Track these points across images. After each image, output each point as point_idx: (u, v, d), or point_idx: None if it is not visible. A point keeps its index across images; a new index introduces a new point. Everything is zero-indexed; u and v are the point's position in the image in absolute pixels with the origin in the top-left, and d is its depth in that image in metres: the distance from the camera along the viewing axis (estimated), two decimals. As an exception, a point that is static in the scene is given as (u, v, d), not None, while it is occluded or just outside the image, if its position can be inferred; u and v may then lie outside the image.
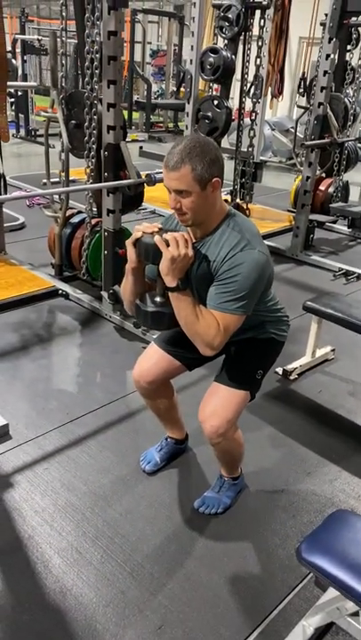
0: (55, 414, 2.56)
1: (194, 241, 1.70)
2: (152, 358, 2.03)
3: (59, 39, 3.30)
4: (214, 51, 4.20)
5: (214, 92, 4.58)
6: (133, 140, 10.04)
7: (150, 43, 13.09)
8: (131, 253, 1.69)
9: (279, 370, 3.01)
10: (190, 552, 1.92)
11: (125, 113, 11.53)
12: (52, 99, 3.40)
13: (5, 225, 4.56)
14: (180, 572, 1.84)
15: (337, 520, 1.60)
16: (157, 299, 1.73)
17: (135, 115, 11.43)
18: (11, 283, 3.83)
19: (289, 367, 3.01)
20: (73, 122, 3.52)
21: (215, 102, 4.26)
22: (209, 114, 4.28)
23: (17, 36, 9.22)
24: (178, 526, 2.02)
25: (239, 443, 1.98)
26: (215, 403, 1.85)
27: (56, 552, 1.87)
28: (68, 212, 3.74)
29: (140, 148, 8.85)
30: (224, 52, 4.17)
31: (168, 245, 1.57)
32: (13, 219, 5.10)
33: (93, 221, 3.63)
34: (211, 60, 4.22)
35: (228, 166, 2.86)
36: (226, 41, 4.39)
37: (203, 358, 1.87)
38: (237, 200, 5.06)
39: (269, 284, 1.80)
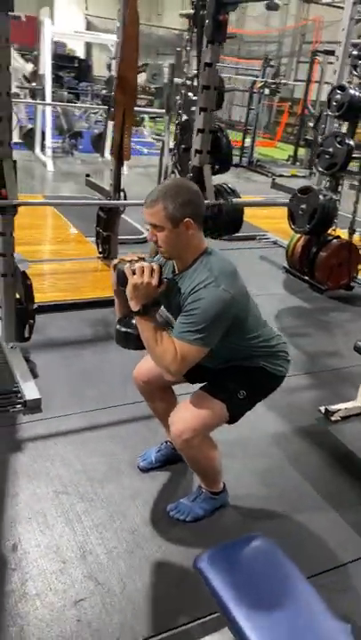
0: (87, 401, 2.79)
1: (176, 273, 1.85)
2: (149, 360, 2.16)
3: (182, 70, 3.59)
4: (342, 88, 4.22)
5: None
6: (293, 176, 10.13)
7: (328, 83, 13.09)
8: (112, 277, 1.86)
9: (322, 408, 2.92)
10: (141, 545, 2.00)
11: (292, 148, 11.71)
12: (165, 123, 3.70)
13: (128, 237, 4.98)
14: (122, 561, 1.94)
15: (248, 542, 1.58)
16: (133, 321, 1.88)
17: (301, 151, 11.52)
18: (109, 285, 4.18)
19: (333, 407, 2.91)
20: (183, 146, 3.80)
21: (338, 139, 4.27)
22: (330, 149, 4.29)
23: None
24: (141, 520, 2.12)
25: (207, 455, 2.01)
26: (187, 408, 1.93)
27: (33, 511, 2.09)
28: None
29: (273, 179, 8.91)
30: (351, 90, 4.17)
31: (134, 274, 1.73)
32: (138, 232, 5.52)
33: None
34: (338, 97, 4.25)
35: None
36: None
37: (204, 376, 1.99)
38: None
39: (240, 321, 1.83)
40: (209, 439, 2.00)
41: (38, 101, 8.28)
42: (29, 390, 2.73)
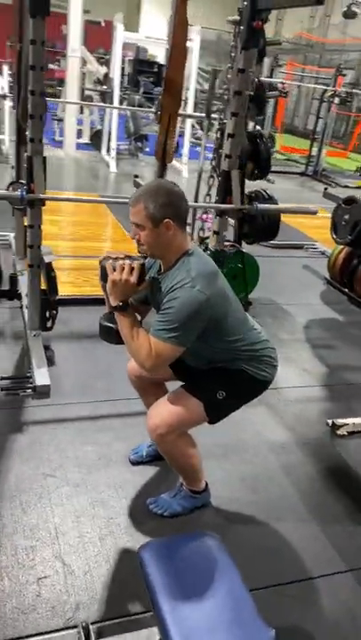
0: (94, 392, 2.88)
1: (160, 272, 1.90)
2: None
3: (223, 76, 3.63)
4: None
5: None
6: (358, 187, 9.88)
7: None
8: (98, 274, 1.91)
9: (329, 421, 2.87)
10: (114, 534, 2.06)
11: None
12: (205, 126, 3.75)
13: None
14: (92, 546, 2.00)
15: (195, 538, 1.60)
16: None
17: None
18: (143, 284, 4.27)
19: (340, 421, 2.85)
20: (222, 150, 3.83)
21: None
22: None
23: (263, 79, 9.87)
24: (120, 509, 2.17)
25: (184, 453, 2.03)
26: (165, 404, 1.97)
27: (19, 490, 2.19)
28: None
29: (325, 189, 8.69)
30: None
31: (115, 270, 1.79)
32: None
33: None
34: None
35: None
36: None
37: (190, 374, 2.03)
38: None
39: (218, 322, 1.84)
40: (186, 436, 2.03)
41: (102, 104, 8.54)
42: (41, 377, 2.85)
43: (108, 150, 8.75)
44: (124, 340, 1.86)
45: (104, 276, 1.84)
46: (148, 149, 9.88)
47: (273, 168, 10.07)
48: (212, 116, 3.86)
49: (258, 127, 9.91)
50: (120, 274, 1.79)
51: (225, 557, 1.53)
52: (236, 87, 3.04)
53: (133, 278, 1.80)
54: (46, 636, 1.68)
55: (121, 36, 7.99)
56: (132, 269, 1.79)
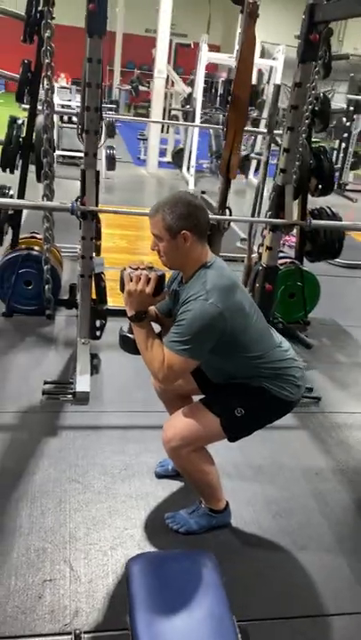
0: (132, 402, 2.90)
1: (182, 284, 1.89)
2: None
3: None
4: None
5: None
6: None
7: None
8: (120, 284, 1.91)
9: (375, 450, 2.70)
10: (125, 545, 2.04)
11: None
12: (267, 142, 3.71)
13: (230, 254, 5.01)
14: (102, 555, 1.99)
15: (189, 555, 1.56)
16: None
17: None
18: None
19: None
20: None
21: None
22: None
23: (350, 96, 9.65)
24: (137, 521, 2.15)
25: (200, 468, 1.98)
26: (180, 416, 1.94)
27: (41, 492, 2.24)
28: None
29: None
30: None
31: (132, 280, 1.79)
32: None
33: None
34: None
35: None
36: None
37: (212, 388, 2.00)
38: None
39: (234, 337, 1.79)
40: (202, 452, 1.98)
41: (181, 122, 8.69)
42: (82, 383, 2.91)
43: (189, 168, 8.88)
44: (140, 350, 1.85)
45: (121, 286, 1.85)
46: (229, 167, 9.91)
47: (356, 187, 9.80)
48: (275, 131, 3.82)
49: (338, 142, 9.63)
50: (136, 284, 1.79)
51: (215, 577, 1.47)
52: (292, 101, 2.98)
53: (149, 289, 1.79)
54: (40, 639, 1.69)
55: (205, 56, 8.12)
56: (148, 280, 1.79)
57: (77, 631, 1.67)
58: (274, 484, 2.44)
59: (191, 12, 15.63)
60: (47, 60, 3.15)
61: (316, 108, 3.67)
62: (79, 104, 3.10)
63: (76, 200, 3.03)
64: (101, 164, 7.07)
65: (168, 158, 10.19)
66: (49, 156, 3.42)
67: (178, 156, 9.65)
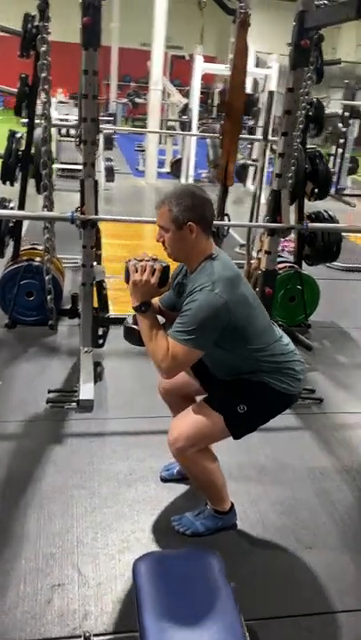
0: (136, 409, 2.92)
1: (187, 276, 1.91)
2: None
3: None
4: None
5: None
6: None
7: None
8: (124, 275, 1.92)
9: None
10: (133, 549, 2.05)
11: None
12: (260, 149, 3.76)
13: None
14: (110, 559, 2.00)
15: (194, 555, 1.57)
16: None
17: None
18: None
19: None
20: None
21: None
22: None
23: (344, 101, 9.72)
24: (144, 525, 2.17)
25: (204, 469, 2.00)
26: (185, 417, 1.96)
27: (48, 499, 2.25)
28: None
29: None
30: None
31: (137, 271, 1.82)
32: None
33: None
34: None
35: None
36: None
37: (214, 385, 2.02)
38: None
39: (237, 329, 1.81)
40: (208, 453, 2.00)
41: (178, 132, 8.78)
42: (85, 391, 2.93)
43: (187, 178, 8.94)
44: (144, 341, 1.86)
45: (126, 277, 1.86)
46: (227, 176, 9.98)
47: (355, 191, 9.85)
48: (270, 138, 3.86)
49: (335, 147, 9.68)
50: (141, 275, 1.81)
51: (221, 577, 1.48)
52: (285, 107, 3.02)
53: (154, 280, 1.81)
54: (50, 643, 1.70)
55: (200, 67, 8.22)
56: (153, 271, 1.81)
57: (87, 634, 1.69)
58: (278, 484, 2.45)
59: (185, 24, 15.79)
60: (44, 74, 3.20)
61: (311, 114, 3.72)
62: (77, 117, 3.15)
63: (76, 210, 3.07)
64: (100, 176, 7.12)
65: (167, 169, 10.27)
66: (48, 167, 3.47)
67: (176, 166, 9.73)
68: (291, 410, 2.96)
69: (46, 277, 3.64)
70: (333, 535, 2.19)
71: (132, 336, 1.97)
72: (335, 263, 4.89)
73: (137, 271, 1.82)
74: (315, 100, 3.73)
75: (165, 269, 1.85)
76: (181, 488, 2.37)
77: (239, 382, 1.94)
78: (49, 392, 2.93)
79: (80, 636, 1.70)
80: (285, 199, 3.15)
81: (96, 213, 3.06)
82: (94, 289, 3.25)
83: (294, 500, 2.36)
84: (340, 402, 3.18)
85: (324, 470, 2.57)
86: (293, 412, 2.97)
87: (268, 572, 2.01)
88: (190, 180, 8.73)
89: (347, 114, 9.45)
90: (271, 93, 3.66)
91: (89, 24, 2.69)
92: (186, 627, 1.34)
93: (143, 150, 10.13)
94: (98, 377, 3.17)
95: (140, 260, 1.84)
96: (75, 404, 2.89)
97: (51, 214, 3.39)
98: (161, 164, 10.21)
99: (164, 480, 2.41)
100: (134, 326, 1.95)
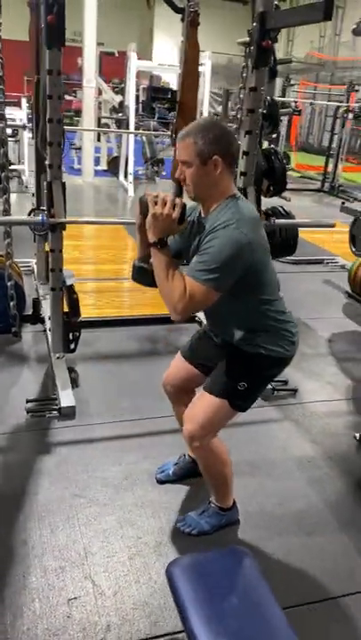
0: (120, 412, 2.89)
1: (203, 217, 1.83)
2: (174, 366, 2.23)
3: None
4: None
5: None
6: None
7: None
8: (137, 209, 1.80)
9: (357, 435, 2.83)
10: (142, 553, 2.05)
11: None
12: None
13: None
14: (121, 566, 1.99)
15: (226, 554, 1.58)
16: (151, 260, 1.84)
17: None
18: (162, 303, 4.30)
19: (368, 434, 2.81)
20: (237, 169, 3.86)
21: None
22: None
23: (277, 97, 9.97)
24: (148, 529, 2.16)
25: (218, 458, 2.02)
26: (193, 408, 1.97)
27: (47, 511, 2.20)
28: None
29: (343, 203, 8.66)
30: None
31: (157, 204, 1.72)
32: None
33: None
34: None
35: None
36: None
37: (212, 362, 2.02)
38: None
39: (255, 273, 1.76)
40: (222, 445, 2.03)
41: (118, 130, 8.70)
42: (65, 398, 2.87)
43: (126, 176, 8.89)
44: (157, 280, 1.77)
45: (144, 210, 1.74)
46: (164, 173, 10.02)
47: (289, 186, 10.15)
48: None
49: (272, 145, 9.96)
50: (162, 208, 1.68)
51: (256, 573, 1.51)
52: (248, 105, 3.08)
53: (176, 213, 1.70)
54: (78, 658, 1.67)
55: (134, 64, 8.17)
56: (174, 205, 1.70)
57: (115, 644, 1.67)
58: (271, 476, 2.52)
59: (103, 20, 15.63)
60: (-1, 74, 3.09)
61: (265, 111, 3.79)
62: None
63: (31, 211, 2.97)
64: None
65: (103, 166, 10.16)
66: (6, 170, 3.36)
67: (113, 163, 9.64)
68: (269, 402, 3.07)
69: (8, 283, 3.52)
70: (331, 520, 2.28)
71: (145, 276, 1.89)
72: (285, 257, 5.02)
73: (156, 204, 1.70)
74: (269, 98, 3.80)
75: (184, 205, 1.75)
76: (179, 488, 2.38)
77: (237, 358, 1.93)
78: (27, 402, 2.85)
79: (107, 648, 1.68)
80: (251, 196, 3.20)
81: (65, 216, 2.99)
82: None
83: (289, 490, 2.43)
84: (312, 391, 3.29)
85: (312, 459, 2.65)
86: (272, 404, 3.06)
87: (278, 561, 2.06)
88: (130, 178, 8.67)
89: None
90: (227, 93, 3.68)
91: (53, 23, 2.62)
92: (235, 626, 1.35)
93: (78, 148, 9.96)
94: (73, 382, 3.11)
95: (156, 196, 1.73)
96: (56, 412, 2.82)
97: (21, 218, 3.30)
98: (97, 161, 10.08)
99: (160, 482, 2.41)
100: (145, 265, 1.88)
